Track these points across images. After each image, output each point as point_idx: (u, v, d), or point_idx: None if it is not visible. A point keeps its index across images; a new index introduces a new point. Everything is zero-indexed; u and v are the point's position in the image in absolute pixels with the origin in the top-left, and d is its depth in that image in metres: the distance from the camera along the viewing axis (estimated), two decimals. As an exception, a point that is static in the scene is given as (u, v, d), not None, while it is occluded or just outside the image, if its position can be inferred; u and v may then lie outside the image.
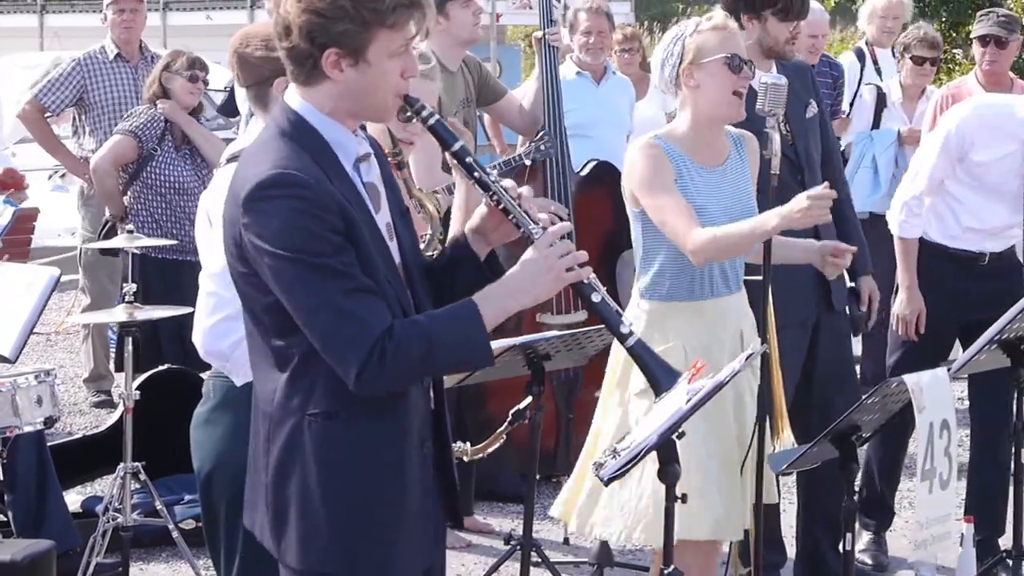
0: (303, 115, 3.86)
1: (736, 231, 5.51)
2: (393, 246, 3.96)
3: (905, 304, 7.34)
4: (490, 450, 5.67)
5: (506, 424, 5.67)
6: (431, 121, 4.00)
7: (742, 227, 5.52)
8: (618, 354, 5.77)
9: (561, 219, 7.78)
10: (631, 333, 4.06)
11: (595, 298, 3.98)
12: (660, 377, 4.14)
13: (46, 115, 10.47)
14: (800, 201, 5.44)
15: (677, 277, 5.65)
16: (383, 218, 3.96)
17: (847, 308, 6.97)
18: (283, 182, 3.72)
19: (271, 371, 3.87)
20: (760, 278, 5.86)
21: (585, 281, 3.94)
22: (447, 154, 4.03)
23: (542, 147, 7.71)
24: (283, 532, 3.88)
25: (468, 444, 5.52)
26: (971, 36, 9.07)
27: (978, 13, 9.37)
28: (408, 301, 3.92)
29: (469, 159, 4.00)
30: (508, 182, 4.03)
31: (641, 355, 4.11)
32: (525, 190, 4.04)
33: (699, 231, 5.48)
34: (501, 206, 3.97)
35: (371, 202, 3.91)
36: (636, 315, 5.65)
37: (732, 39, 5.64)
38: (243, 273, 3.83)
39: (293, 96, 3.90)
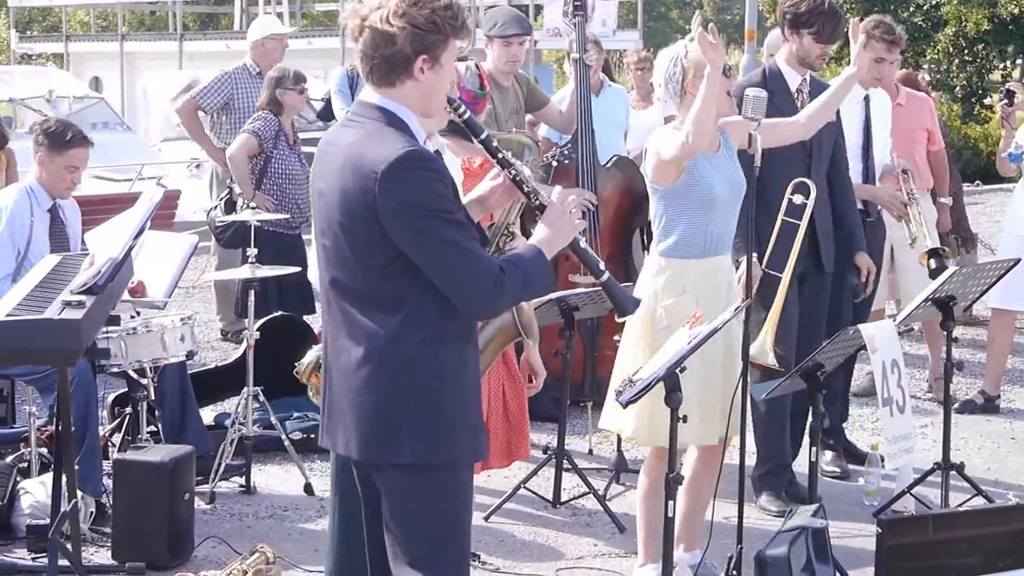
0: (389, 109, 3.89)
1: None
2: None
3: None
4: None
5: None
6: (465, 116, 4.07)
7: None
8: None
9: (592, 203, 7.91)
10: (604, 271, 4.15)
11: (581, 243, 4.10)
12: (626, 303, 4.22)
13: (198, 112, 10.39)
14: None
15: (692, 240, 5.59)
16: None
17: (847, 277, 6.89)
18: (416, 156, 3.78)
19: (382, 313, 3.84)
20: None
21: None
22: (476, 141, 4.08)
23: (565, 151, 7.86)
24: (396, 439, 3.85)
25: None
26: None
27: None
28: None
29: (494, 144, 4.10)
30: (519, 163, 4.15)
31: (611, 287, 4.19)
32: (527, 171, 4.16)
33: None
34: (518, 179, 4.08)
35: None
36: (658, 269, 5.62)
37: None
38: (365, 233, 3.79)
39: (371, 95, 3.92)
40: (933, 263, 7.43)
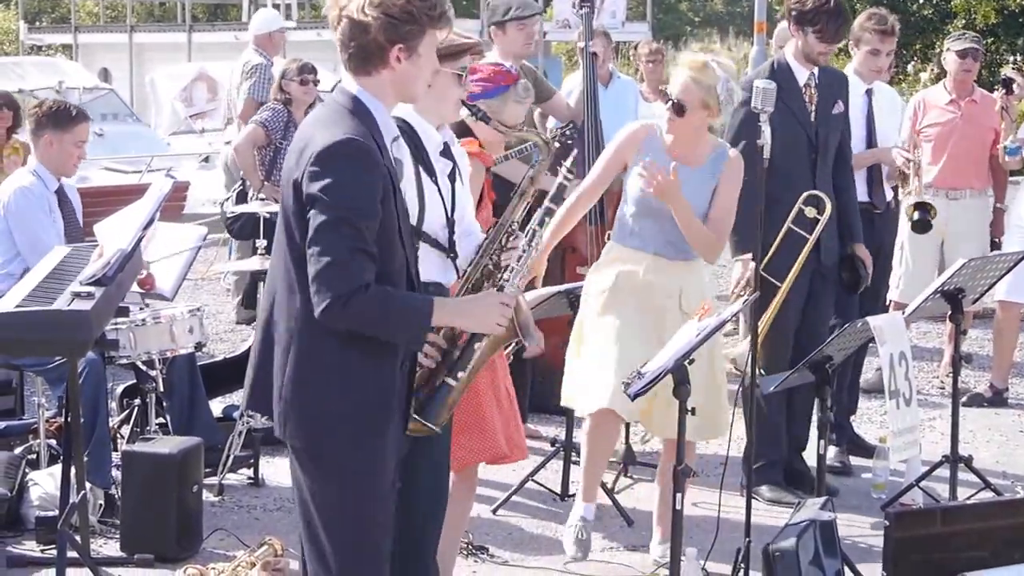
0: (361, 98, 3.94)
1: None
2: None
3: None
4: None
5: None
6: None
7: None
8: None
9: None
10: (456, 380, 4.16)
11: (476, 345, 4.14)
12: (430, 412, 4.17)
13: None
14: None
15: (624, 227, 5.85)
16: (405, 188, 4.14)
17: (841, 272, 6.81)
18: (352, 146, 3.79)
19: (302, 295, 3.82)
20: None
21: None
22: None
23: (567, 131, 7.85)
24: (286, 418, 3.89)
25: None
26: (948, 50, 8.92)
27: (953, 33, 9.09)
28: (414, 255, 4.02)
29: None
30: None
31: (450, 390, 4.18)
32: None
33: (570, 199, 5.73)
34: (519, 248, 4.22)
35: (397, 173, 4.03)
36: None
37: (675, 80, 5.70)
38: (296, 211, 3.83)
39: (350, 83, 3.98)
40: (917, 214, 7.48)
